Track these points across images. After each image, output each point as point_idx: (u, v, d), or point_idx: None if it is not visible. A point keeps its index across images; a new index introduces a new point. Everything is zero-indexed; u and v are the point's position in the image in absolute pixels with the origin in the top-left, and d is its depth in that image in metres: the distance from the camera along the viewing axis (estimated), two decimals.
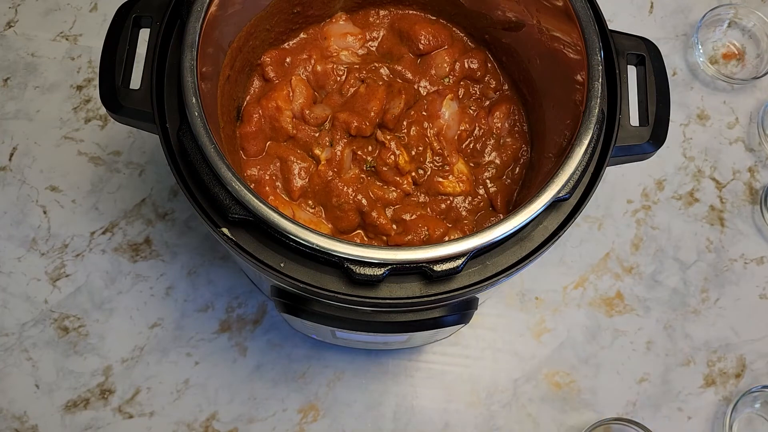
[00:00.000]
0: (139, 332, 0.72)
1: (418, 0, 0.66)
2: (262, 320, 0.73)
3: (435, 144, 0.61)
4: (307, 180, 0.60)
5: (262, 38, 0.61)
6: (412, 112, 0.62)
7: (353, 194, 0.58)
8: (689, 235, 0.78)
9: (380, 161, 0.60)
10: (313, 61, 0.64)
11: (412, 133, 0.61)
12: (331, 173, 0.59)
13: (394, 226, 0.59)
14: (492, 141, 0.63)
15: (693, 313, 0.76)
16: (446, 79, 0.64)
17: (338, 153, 0.60)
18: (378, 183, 0.60)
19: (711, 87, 0.85)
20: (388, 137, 0.60)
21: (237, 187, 0.46)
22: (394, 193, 0.60)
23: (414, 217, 0.59)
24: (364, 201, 0.58)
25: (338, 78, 0.64)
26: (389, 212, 0.60)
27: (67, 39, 0.83)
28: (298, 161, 0.60)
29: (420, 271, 0.47)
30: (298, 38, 0.65)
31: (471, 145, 0.63)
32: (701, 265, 0.77)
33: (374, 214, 0.58)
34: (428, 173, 0.61)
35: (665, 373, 0.74)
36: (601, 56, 0.51)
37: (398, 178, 0.60)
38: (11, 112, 0.79)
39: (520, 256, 0.49)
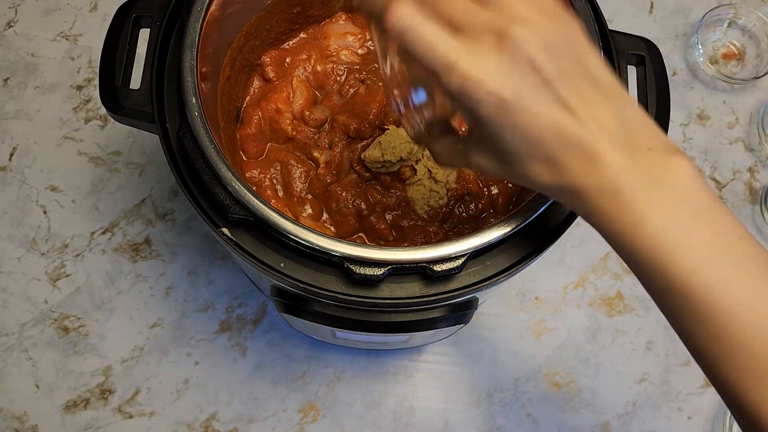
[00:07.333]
0: (139, 332, 0.72)
1: None
2: (262, 320, 0.73)
3: None
4: (306, 184, 0.60)
5: (262, 38, 0.61)
6: None
7: (352, 198, 0.58)
8: None
9: None
10: (313, 61, 0.64)
11: None
12: (329, 177, 0.59)
13: (393, 233, 0.59)
14: None
15: None
16: None
17: (337, 155, 0.60)
18: (377, 186, 0.60)
19: (711, 87, 0.85)
20: None
21: (237, 186, 0.46)
22: (393, 198, 0.60)
23: (411, 223, 0.59)
24: (363, 205, 0.58)
25: (338, 78, 0.64)
26: (388, 217, 0.59)
27: (67, 39, 0.83)
28: (298, 165, 0.60)
29: (420, 271, 0.47)
30: (298, 38, 0.65)
31: None
32: None
33: (373, 218, 0.58)
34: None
35: (665, 373, 0.74)
36: (601, 56, 0.51)
37: (397, 182, 0.60)
38: (11, 112, 0.79)
39: (520, 256, 0.49)
